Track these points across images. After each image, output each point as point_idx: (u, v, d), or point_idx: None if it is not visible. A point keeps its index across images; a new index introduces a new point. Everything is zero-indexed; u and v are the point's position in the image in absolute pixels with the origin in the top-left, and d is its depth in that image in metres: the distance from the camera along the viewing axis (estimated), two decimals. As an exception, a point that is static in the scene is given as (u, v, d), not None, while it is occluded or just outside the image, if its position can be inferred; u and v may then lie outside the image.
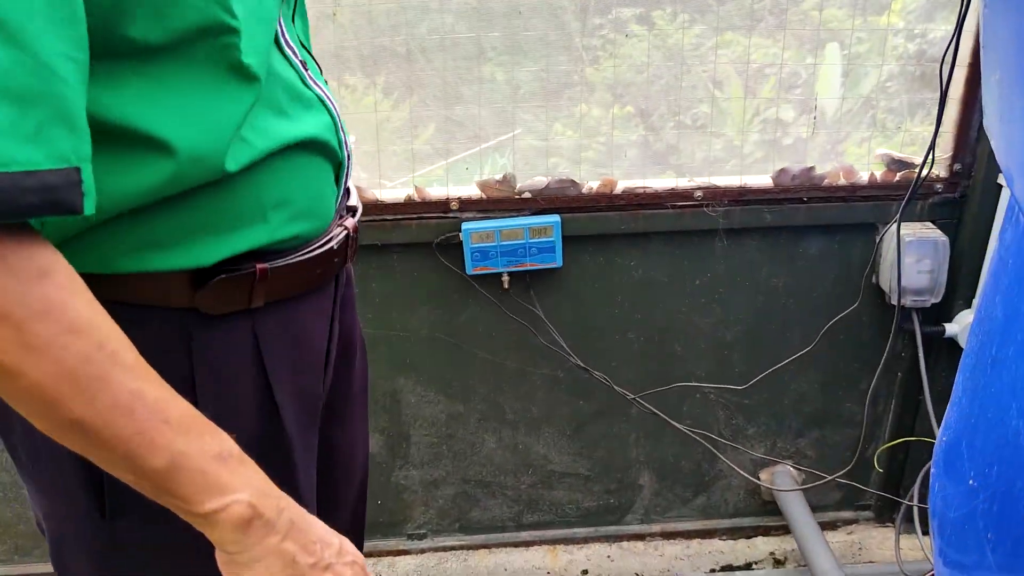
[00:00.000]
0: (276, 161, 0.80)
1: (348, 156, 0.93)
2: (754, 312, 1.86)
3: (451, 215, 1.75)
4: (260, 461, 0.73)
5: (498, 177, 1.75)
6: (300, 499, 0.83)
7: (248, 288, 0.82)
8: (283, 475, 0.77)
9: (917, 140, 1.81)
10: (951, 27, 1.54)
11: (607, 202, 1.76)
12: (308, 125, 0.84)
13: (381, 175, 1.76)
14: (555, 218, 1.74)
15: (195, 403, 0.70)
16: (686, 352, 1.89)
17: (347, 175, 0.93)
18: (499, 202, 1.75)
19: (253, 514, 0.69)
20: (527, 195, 1.75)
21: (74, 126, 0.60)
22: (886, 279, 1.79)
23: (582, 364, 1.86)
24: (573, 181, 1.76)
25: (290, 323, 0.88)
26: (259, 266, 0.81)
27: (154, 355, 0.68)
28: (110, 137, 0.68)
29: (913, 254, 1.76)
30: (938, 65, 1.41)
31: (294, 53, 0.85)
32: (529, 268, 1.77)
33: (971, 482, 0.80)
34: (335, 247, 0.90)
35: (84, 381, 0.61)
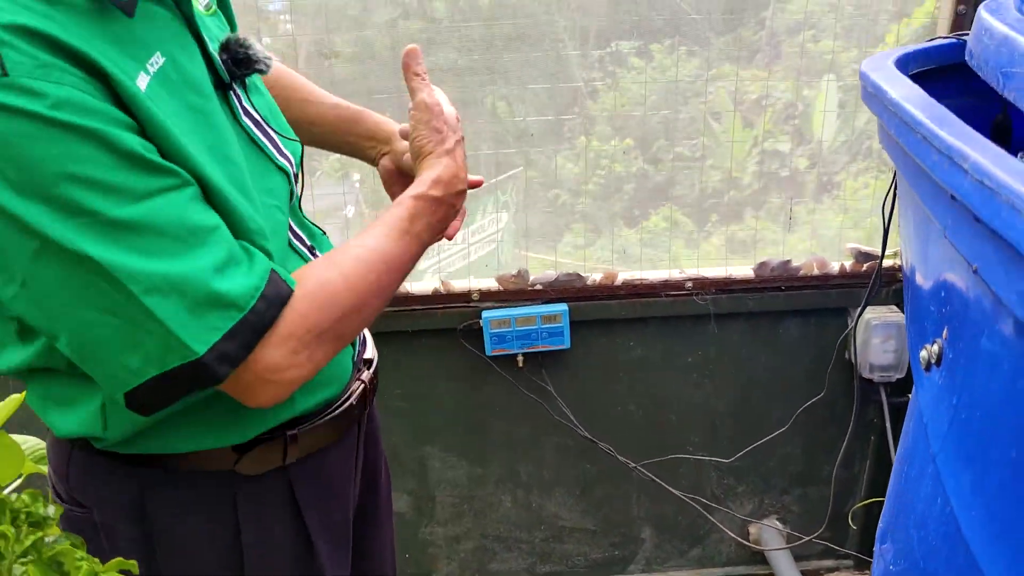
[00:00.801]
0: None
1: None
2: (741, 387, 2.10)
3: (472, 304, 1.99)
4: None
5: (513, 272, 1.99)
6: None
7: (281, 452, 0.98)
8: None
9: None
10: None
11: (609, 292, 2.00)
12: None
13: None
14: (563, 306, 1.98)
15: (239, 548, 0.91)
16: (680, 423, 2.13)
17: (361, 337, 1.12)
18: (514, 293, 1.99)
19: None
20: (539, 287, 1.99)
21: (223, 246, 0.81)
22: (856, 357, 2.03)
23: (588, 436, 2.10)
24: (579, 274, 2.00)
25: (320, 469, 1.04)
26: (289, 433, 0.97)
27: (204, 511, 0.90)
28: None
29: (879, 335, 2.00)
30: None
31: (302, 243, 1.02)
32: (541, 350, 2.01)
33: (891, 567, 1.03)
34: (354, 402, 1.06)
35: (385, 281, 0.93)
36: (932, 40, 1.32)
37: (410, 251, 0.96)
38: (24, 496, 0.61)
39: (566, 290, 2.00)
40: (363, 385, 1.09)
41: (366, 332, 1.19)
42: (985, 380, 0.72)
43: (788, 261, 2.02)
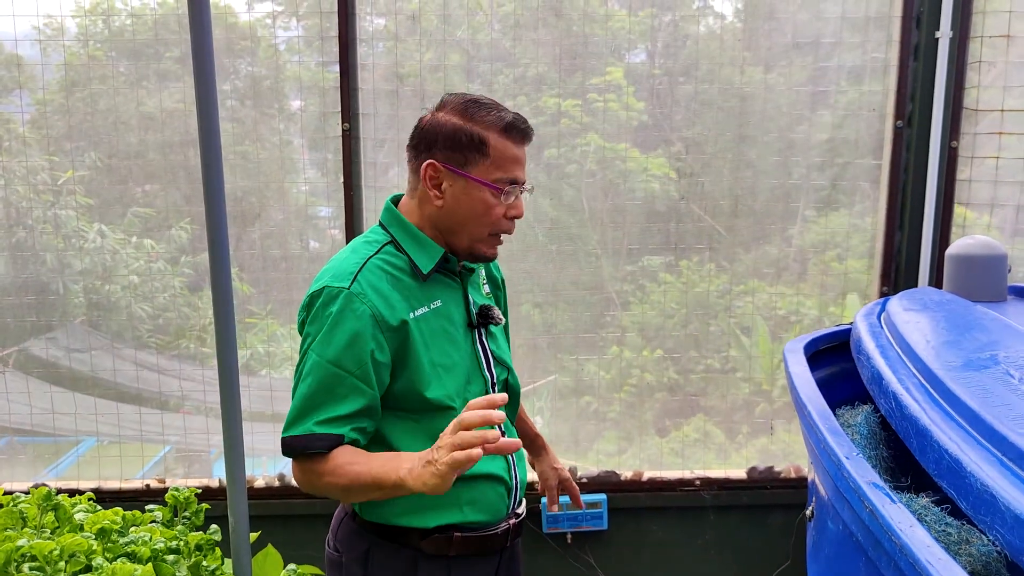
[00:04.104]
0: (474, 481, 1.53)
1: (518, 486, 1.65)
2: (738, 562, 2.72)
3: (533, 491, 2.67)
4: None
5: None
6: None
7: (448, 544, 1.53)
8: None
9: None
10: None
11: (637, 487, 2.68)
12: (494, 466, 1.57)
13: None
14: (603, 496, 2.65)
15: None
16: (693, 591, 2.74)
17: (516, 496, 1.69)
18: (566, 485, 2.67)
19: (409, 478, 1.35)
20: (585, 480, 2.68)
21: (348, 422, 1.41)
22: (827, 543, 2.65)
23: (621, 598, 2.71)
24: (615, 472, 2.69)
25: (468, 568, 1.58)
26: (455, 534, 1.54)
27: (401, 570, 1.52)
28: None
29: (844, 526, 2.63)
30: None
31: (499, 426, 1.61)
32: (585, 529, 2.66)
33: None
34: (499, 533, 1.61)
35: (352, 489, 1.43)
36: (839, 325, 2.06)
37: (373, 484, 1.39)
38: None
39: (605, 484, 2.68)
40: (509, 526, 1.64)
41: (522, 496, 1.69)
42: (824, 531, 1.39)
43: (772, 467, 2.69)
